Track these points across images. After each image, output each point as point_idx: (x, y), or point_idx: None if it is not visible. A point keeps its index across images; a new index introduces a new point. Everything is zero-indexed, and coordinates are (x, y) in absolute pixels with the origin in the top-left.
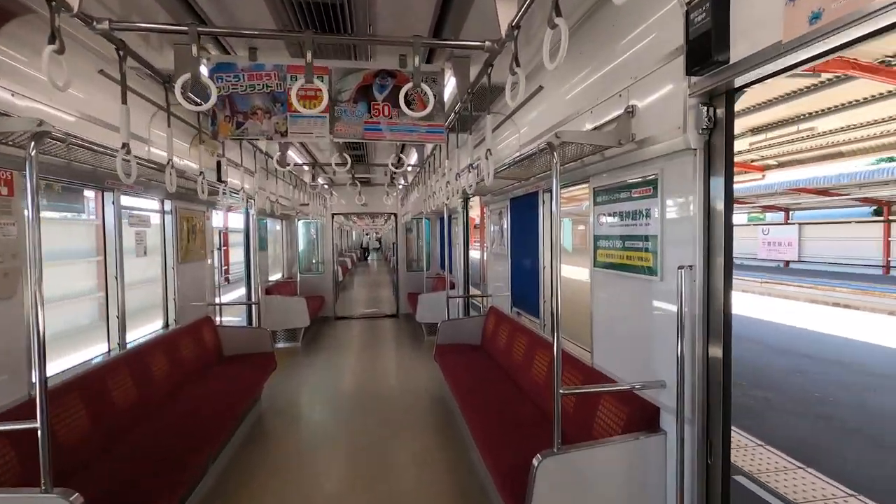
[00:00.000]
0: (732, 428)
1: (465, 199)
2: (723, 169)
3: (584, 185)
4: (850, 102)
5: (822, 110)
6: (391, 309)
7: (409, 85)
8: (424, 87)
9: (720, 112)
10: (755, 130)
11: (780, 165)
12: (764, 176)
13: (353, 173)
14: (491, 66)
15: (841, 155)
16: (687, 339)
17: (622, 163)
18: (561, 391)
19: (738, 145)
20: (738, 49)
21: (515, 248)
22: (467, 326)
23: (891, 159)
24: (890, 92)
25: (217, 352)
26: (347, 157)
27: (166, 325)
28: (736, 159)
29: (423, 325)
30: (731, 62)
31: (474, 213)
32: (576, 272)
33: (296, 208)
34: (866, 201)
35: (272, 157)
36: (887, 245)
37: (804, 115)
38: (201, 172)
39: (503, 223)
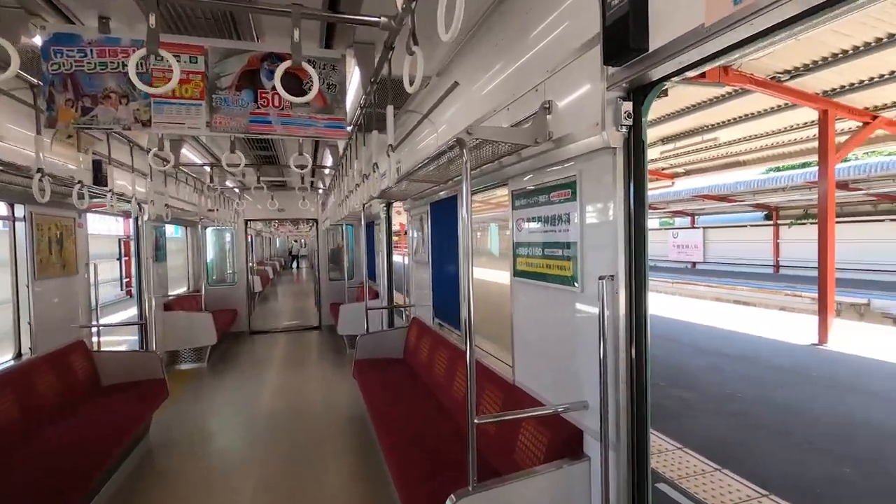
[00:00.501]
0: (654, 432)
1: (388, 204)
2: (642, 169)
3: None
4: (748, 115)
5: (724, 122)
6: (314, 321)
7: (289, 63)
8: (307, 66)
9: (640, 108)
10: (665, 140)
11: (688, 173)
12: (673, 183)
13: (259, 175)
14: (392, 50)
15: (739, 164)
16: (609, 356)
17: (540, 164)
18: (476, 421)
19: (650, 153)
20: (659, 36)
21: (436, 255)
22: (389, 339)
23: (778, 169)
24: (780, 106)
25: (91, 382)
26: (241, 154)
27: (18, 354)
28: (648, 167)
29: (346, 338)
30: (651, 50)
31: (404, 219)
32: (503, 278)
33: (201, 214)
34: (759, 207)
35: (148, 152)
36: (776, 247)
37: (708, 125)
38: (39, 170)
39: (424, 229)
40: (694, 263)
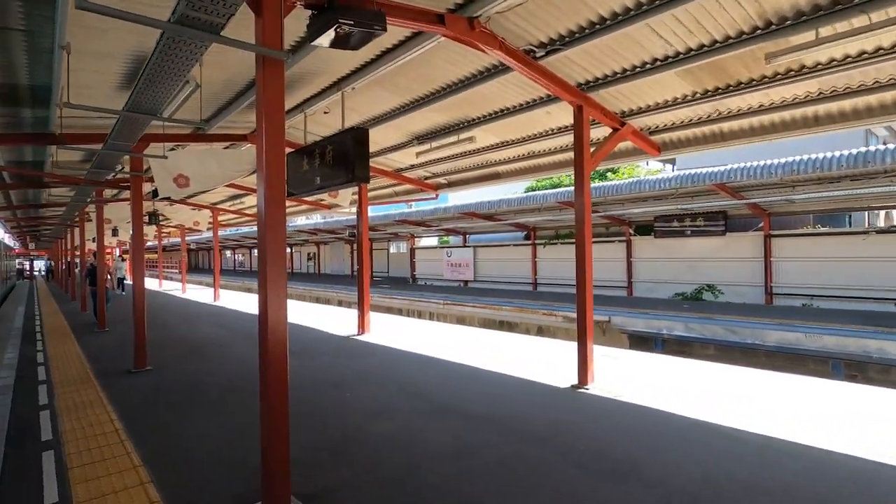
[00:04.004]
0: None
1: None
2: None
3: None
4: (503, 110)
5: (480, 117)
6: None
7: None
8: None
9: None
10: (420, 138)
11: (450, 185)
12: (437, 196)
13: None
14: None
15: (497, 176)
16: None
17: None
18: None
19: (404, 156)
20: None
21: None
22: None
23: (532, 188)
24: (537, 100)
25: None
26: None
27: None
28: (407, 174)
29: None
30: None
31: None
32: None
33: None
34: (519, 227)
35: None
36: (534, 265)
37: (463, 121)
38: None
39: None
40: (466, 282)
